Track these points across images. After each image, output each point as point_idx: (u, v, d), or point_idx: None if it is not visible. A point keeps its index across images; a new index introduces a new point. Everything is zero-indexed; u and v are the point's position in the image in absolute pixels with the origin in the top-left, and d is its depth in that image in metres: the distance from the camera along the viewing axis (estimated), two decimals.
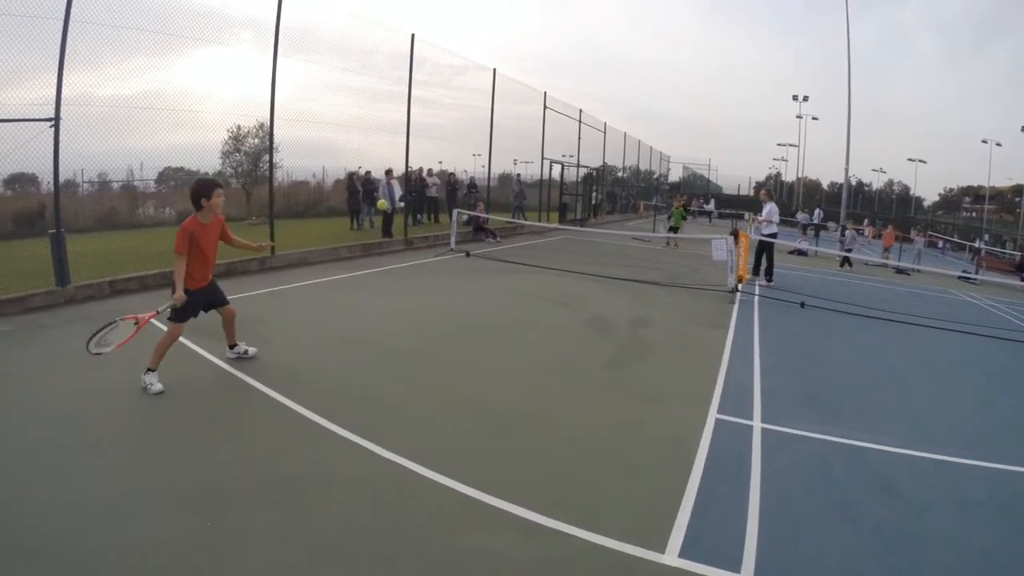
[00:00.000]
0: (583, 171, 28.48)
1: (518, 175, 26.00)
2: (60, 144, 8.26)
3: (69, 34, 8.14)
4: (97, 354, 5.12)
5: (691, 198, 43.49)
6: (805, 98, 58.92)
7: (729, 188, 65.64)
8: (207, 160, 15.74)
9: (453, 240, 16.06)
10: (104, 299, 8.65)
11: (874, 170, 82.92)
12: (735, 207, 45.24)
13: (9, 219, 15.33)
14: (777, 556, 3.48)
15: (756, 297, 11.99)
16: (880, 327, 10.53)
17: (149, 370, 5.29)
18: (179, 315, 5.42)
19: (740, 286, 11.84)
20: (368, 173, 19.53)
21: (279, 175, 18.69)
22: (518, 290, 11.05)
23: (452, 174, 23.42)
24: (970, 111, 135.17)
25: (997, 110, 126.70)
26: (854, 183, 64.97)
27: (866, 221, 44.34)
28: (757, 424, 5.46)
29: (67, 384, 5.42)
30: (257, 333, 6.92)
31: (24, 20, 8.03)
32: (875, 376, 7.56)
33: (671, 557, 3.40)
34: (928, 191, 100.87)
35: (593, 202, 30.48)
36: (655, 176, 49.00)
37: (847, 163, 36.43)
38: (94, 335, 5.12)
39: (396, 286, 10.99)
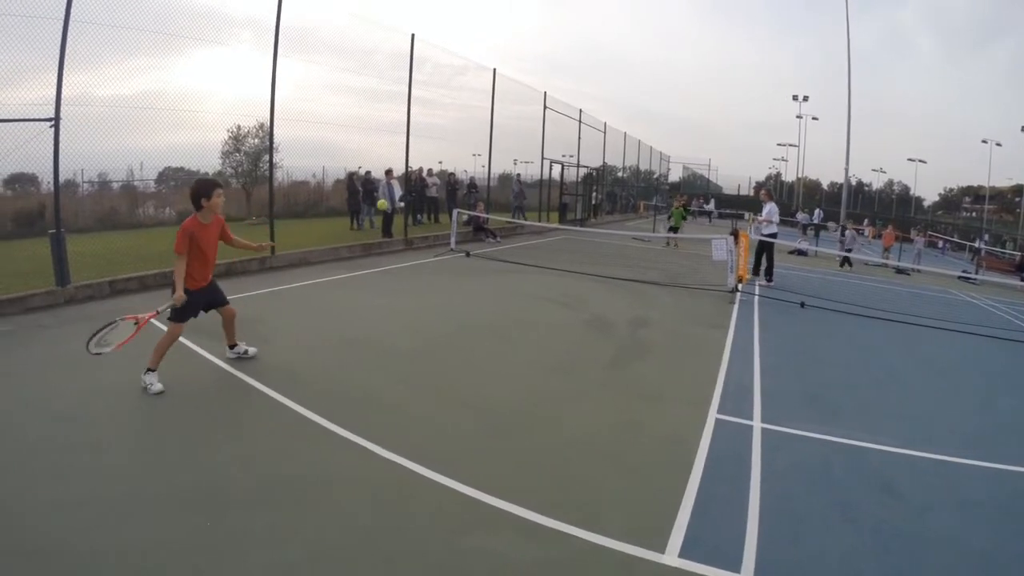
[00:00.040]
0: (583, 171, 28.50)
1: (518, 175, 26.02)
2: (60, 144, 8.26)
3: (69, 34, 8.14)
4: (97, 354, 5.12)
5: (691, 198, 43.49)
6: (805, 98, 58.99)
7: (729, 188, 65.67)
8: (207, 160, 15.76)
9: (453, 240, 16.06)
10: (104, 299, 8.65)
11: (874, 170, 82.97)
12: (735, 207, 45.23)
13: (9, 219, 15.33)
14: (777, 556, 3.48)
15: (756, 297, 11.99)
16: (880, 327, 10.53)
17: (149, 370, 5.29)
18: (179, 315, 5.42)
19: (740, 286, 11.84)
20: (368, 173, 19.54)
21: (279, 175, 18.72)
22: (518, 290, 11.05)
23: (452, 174, 23.42)
24: (970, 111, 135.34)
25: (997, 110, 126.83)
26: (854, 183, 64.99)
27: (866, 221, 44.34)
28: (757, 424, 5.46)
29: (67, 384, 5.41)
30: (257, 333, 6.92)
31: (24, 20, 8.04)
32: (875, 376, 7.56)
33: (671, 557, 3.40)
34: (928, 191, 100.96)
35: (593, 202, 30.47)
36: (655, 176, 49.00)
37: (847, 163, 36.48)
38: (94, 335, 5.12)
39: (396, 286, 10.99)
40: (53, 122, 8.12)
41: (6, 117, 7.95)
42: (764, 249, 14.20)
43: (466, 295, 10.59)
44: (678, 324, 9.28)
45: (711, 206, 45.98)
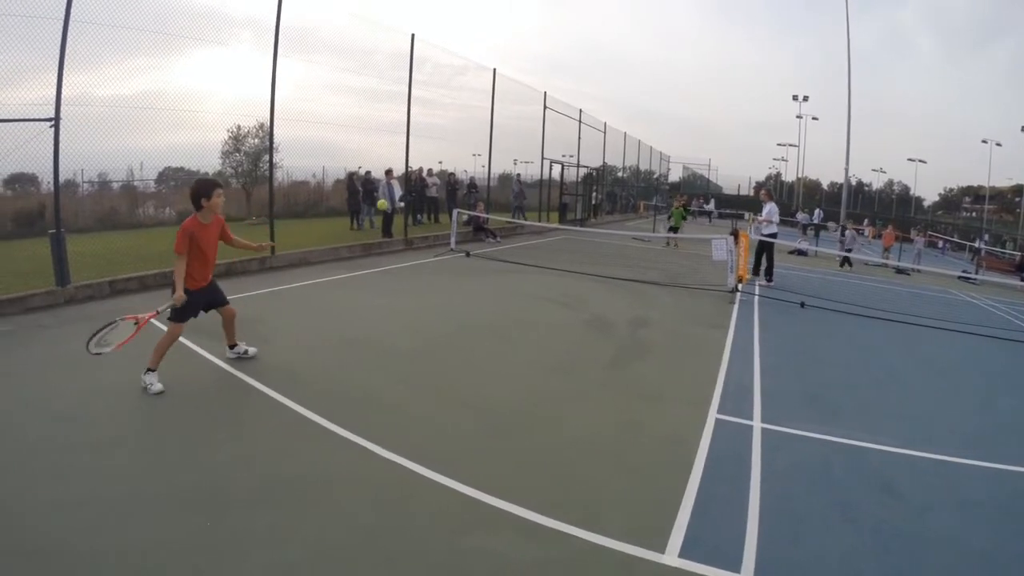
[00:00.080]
0: (583, 171, 28.50)
1: (518, 175, 26.01)
2: (60, 144, 8.26)
3: (69, 34, 8.14)
4: (97, 354, 5.11)
5: (691, 198, 43.50)
6: (805, 98, 58.98)
7: (729, 188, 65.68)
8: (207, 160, 15.76)
9: (453, 240, 16.06)
10: (104, 299, 8.65)
11: (874, 170, 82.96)
12: (735, 207, 45.25)
13: (9, 219, 15.33)
14: (777, 556, 3.48)
15: (756, 297, 11.99)
16: (880, 327, 10.53)
17: (149, 370, 5.29)
18: (179, 315, 5.42)
19: (740, 286, 11.84)
20: (368, 173, 19.54)
21: (279, 175, 18.72)
22: (518, 290, 11.05)
23: (452, 174, 23.41)
24: (970, 111, 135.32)
25: (997, 110, 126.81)
26: (854, 183, 64.98)
27: (866, 221, 44.34)
28: (757, 424, 5.46)
29: (67, 384, 5.41)
30: (257, 333, 6.92)
31: (24, 20, 8.04)
32: (875, 376, 7.56)
33: (671, 557, 3.40)
34: (928, 191, 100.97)
35: (593, 202, 30.48)
36: (655, 176, 48.99)
37: (847, 163, 36.48)
38: (94, 335, 5.12)
39: (396, 286, 10.99)
40: (53, 122, 8.12)
41: (6, 117, 7.95)
42: (764, 249, 14.20)
43: (466, 295, 10.59)
44: (678, 324, 9.28)
45: (711, 206, 45.98)
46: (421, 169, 20.87)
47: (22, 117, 8.07)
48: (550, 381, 6.31)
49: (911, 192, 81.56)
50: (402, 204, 16.98)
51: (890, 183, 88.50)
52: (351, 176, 20.24)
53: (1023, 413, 6.69)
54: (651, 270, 14.71)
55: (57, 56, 8.08)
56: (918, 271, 22.07)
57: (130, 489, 3.77)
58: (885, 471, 4.76)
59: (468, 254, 15.23)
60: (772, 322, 9.90)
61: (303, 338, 7.22)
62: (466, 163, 24.94)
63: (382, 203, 15.81)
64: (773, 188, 53.89)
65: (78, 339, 5.28)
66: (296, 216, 21.81)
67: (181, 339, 5.78)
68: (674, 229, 21.76)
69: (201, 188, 5.50)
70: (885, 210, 71.94)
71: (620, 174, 40.02)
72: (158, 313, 5.39)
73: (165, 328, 5.48)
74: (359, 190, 19.29)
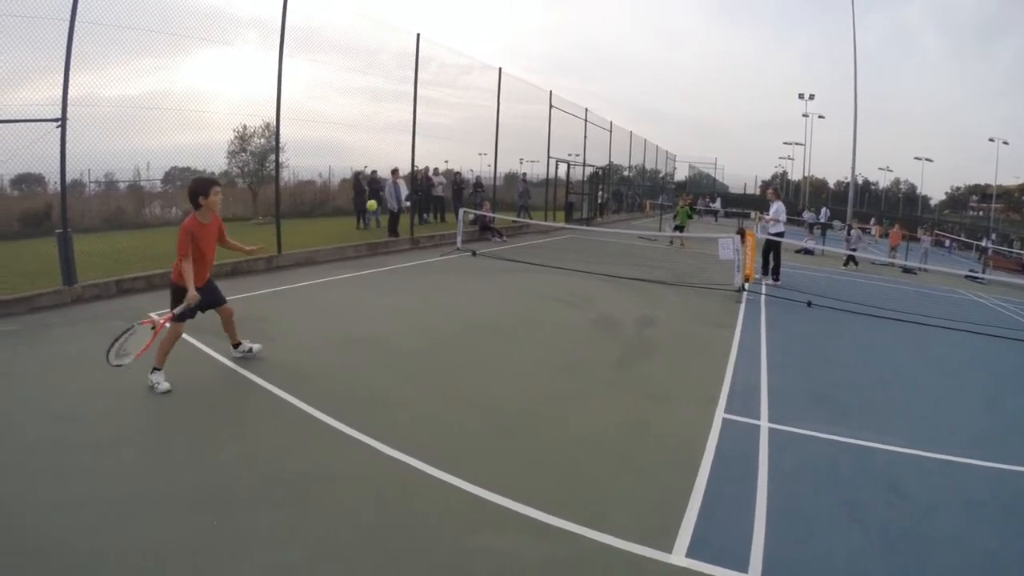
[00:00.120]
0: (589, 170, 28.47)
1: (524, 174, 26.00)
2: (67, 144, 8.30)
3: (75, 35, 8.17)
4: (118, 366, 5.05)
5: (697, 197, 43.42)
6: (811, 96, 58.86)
7: (735, 187, 65.41)
8: (213, 160, 15.86)
9: (459, 239, 16.04)
10: (111, 298, 8.67)
11: (881, 169, 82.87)
12: (741, 206, 45.18)
13: (16, 219, 15.42)
14: (784, 556, 3.46)
15: (763, 296, 11.96)
16: (887, 326, 10.48)
17: (155, 369, 5.29)
18: (179, 315, 5.43)
19: (747, 285, 11.80)
20: (374, 172, 19.57)
21: (285, 174, 18.73)
22: (524, 289, 11.04)
23: (458, 173, 23.42)
24: (977, 109, 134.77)
25: (1004, 108, 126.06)
26: (861, 182, 64.81)
27: (873, 220, 44.22)
28: (764, 424, 5.43)
29: (71, 383, 5.43)
30: (263, 332, 6.92)
31: (30, 21, 8.06)
32: (882, 376, 7.52)
33: (678, 557, 3.39)
34: (935, 190, 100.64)
35: (599, 201, 30.45)
36: (661, 175, 48.92)
37: (854, 161, 36.31)
38: (113, 344, 5.04)
39: (402, 285, 10.99)
40: (60, 122, 8.16)
41: (13, 118, 7.98)
42: (771, 248, 14.16)
43: (472, 294, 10.59)
44: (685, 323, 9.25)
45: (717, 205, 45.89)
46: (427, 168, 20.88)
47: (29, 118, 8.10)
48: (556, 380, 6.30)
49: (918, 191, 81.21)
50: (408, 203, 16.99)
51: (897, 182, 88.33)
52: (357, 175, 20.28)
53: None
54: (658, 269, 14.68)
55: (63, 57, 8.10)
56: (925, 270, 21.99)
57: (132, 488, 3.78)
58: (892, 471, 4.74)
59: (474, 253, 15.22)
60: (779, 321, 9.87)
61: (309, 337, 7.23)
62: (472, 162, 25.01)
63: (372, 204, 15.88)
64: (780, 187, 53.74)
65: (85, 338, 5.30)
66: (302, 215, 21.87)
67: (187, 338, 5.79)
68: (679, 228, 21.72)
69: (199, 186, 5.50)
70: (892, 209, 71.60)
71: (626, 173, 40.00)
72: (174, 316, 5.39)
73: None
74: (365, 189, 19.30)
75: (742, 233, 11.92)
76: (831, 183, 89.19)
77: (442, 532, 3.52)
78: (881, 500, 4.25)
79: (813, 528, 3.81)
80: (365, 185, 19.37)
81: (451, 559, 3.29)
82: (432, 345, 7.23)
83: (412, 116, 15.60)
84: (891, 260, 24.33)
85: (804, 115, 60.13)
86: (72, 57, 8.18)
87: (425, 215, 21.11)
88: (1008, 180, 67.99)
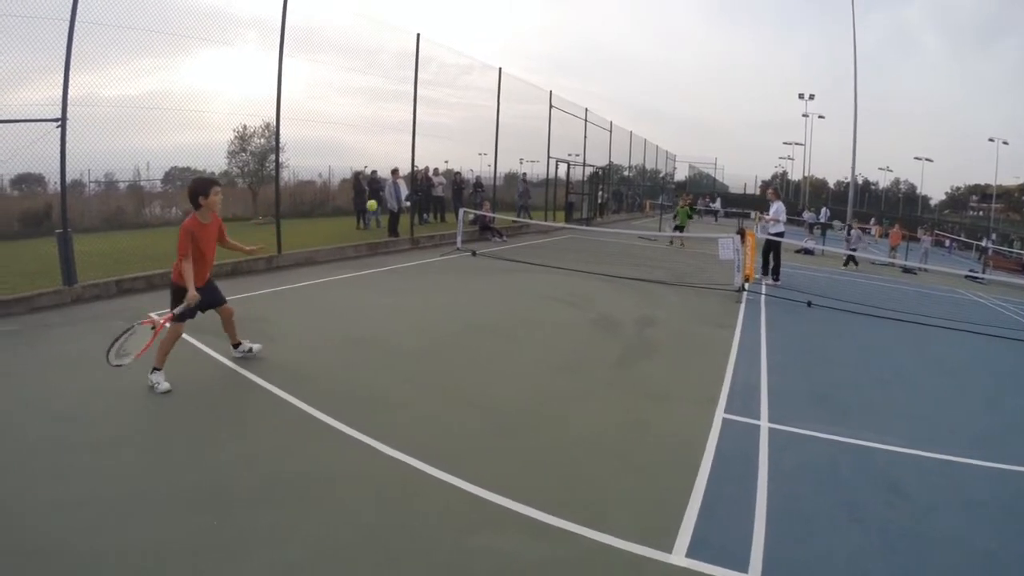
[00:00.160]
0: (589, 170, 28.47)
1: (524, 174, 26.00)
2: (67, 144, 8.30)
3: (75, 35, 8.17)
4: (118, 366, 5.05)
5: (697, 197, 43.40)
6: (811, 96, 58.86)
7: (735, 187, 65.42)
8: (213, 160, 15.86)
9: (459, 239, 16.04)
10: (111, 298, 8.67)
11: (881, 169, 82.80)
12: (741, 206, 45.17)
13: (16, 219, 15.42)
14: (784, 556, 3.46)
15: (763, 296, 11.95)
16: (887, 326, 10.48)
17: (155, 369, 5.29)
18: (179, 315, 5.43)
19: (747, 285, 11.80)
20: (374, 172, 19.57)
21: (285, 174, 18.74)
22: (524, 289, 11.04)
23: (458, 173, 23.42)
24: (977, 109, 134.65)
25: (1004, 108, 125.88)
26: (861, 182, 64.80)
27: (873, 220, 44.21)
28: (764, 424, 5.43)
29: (73, 383, 5.43)
30: (263, 332, 6.92)
31: (30, 21, 8.06)
32: (882, 376, 7.52)
33: (678, 557, 3.39)
34: (935, 190, 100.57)
35: (599, 201, 30.45)
36: (661, 175, 48.92)
37: (854, 161, 36.29)
38: (113, 344, 5.04)
39: (402, 285, 10.99)
40: (60, 122, 8.16)
41: (13, 118, 7.98)
42: (771, 248, 14.16)
43: (472, 294, 10.59)
44: (685, 323, 9.25)
45: (717, 205, 45.89)
46: (427, 168, 20.89)
47: (29, 118, 8.10)
48: (556, 380, 6.30)
49: (918, 191, 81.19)
50: (408, 203, 16.99)
51: (896, 182, 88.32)
52: (357, 175, 20.30)
53: None
54: (657, 269, 14.68)
55: (63, 57, 8.10)
56: (925, 270, 21.99)
57: (132, 488, 3.78)
58: (892, 471, 4.74)
59: (474, 253, 15.22)
60: (779, 321, 9.87)
61: (309, 337, 7.23)
62: (472, 162, 25.02)
63: (372, 204, 15.90)
64: (780, 187, 53.74)
65: (84, 339, 5.30)
66: (302, 215, 21.88)
67: (188, 338, 5.78)
68: (679, 228, 21.72)
69: (199, 186, 5.50)
70: (892, 209, 71.60)
71: (626, 173, 40.00)
72: (174, 316, 5.39)
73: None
74: (365, 189, 19.30)
75: (742, 233, 11.92)
76: (831, 183, 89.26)
77: (442, 532, 3.52)
78: (881, 500, 4.25)
79: (813, 528, 3.81)
80: (365, 185, 19.37)
81: (451, 559, 3.29)
82: (432, 345, 7.22)
83: (412, 116, 15.60)
84: (891, 260, 24.32)
85: (804, 115, 60.20)
86: (72, 57, 8.18)
87: (425, 215, 21.12)
88: (1008, 180, 68.11)
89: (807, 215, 37.47)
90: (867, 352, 8.64)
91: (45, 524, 3.37)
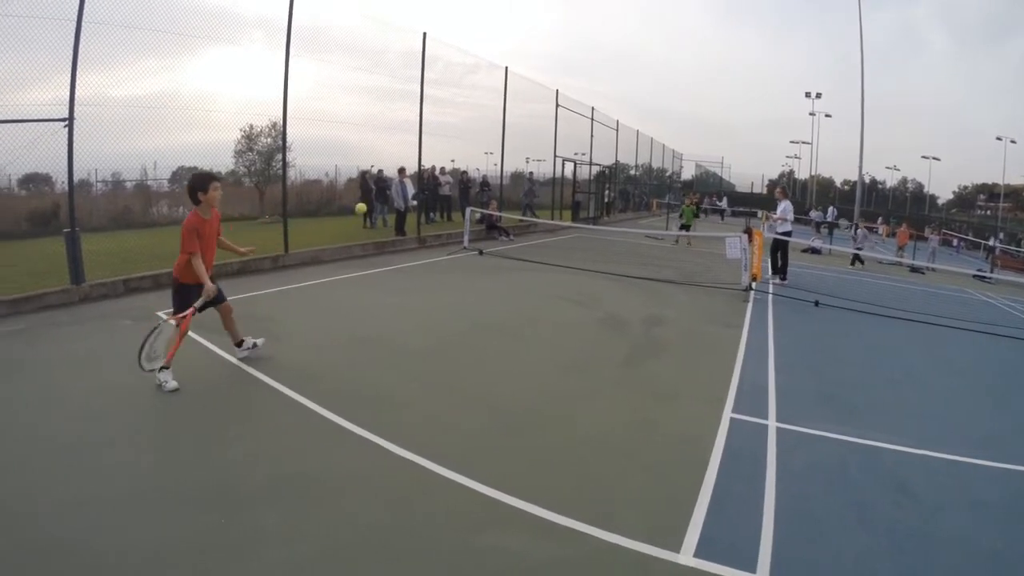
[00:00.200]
0: (595, 169, 28.42)
1: (530, 173, 25.98)
2: (74, 144, 8.32)
3: (82, 35, 8.19)
4: (151, 370, 5.09)
5: (703, 196, 43.29)
6: (818, 95, 58.52)
7: (742, 186, 65.31)
8: (220, 159, 15.93)
9: (466, 238, 16.04)
10: (119, 297, 8.70)
11: (888, 167, 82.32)
12: (748, 205, 45.03)
13: (24, 218, 15.48)
14: (793, 556, 3.45)
15: (770, 296, 11.90)
16: (895, 326, 10.44)
17: (163, 368, 5.30)
18: (181, 309, 5.45)
19: (754, 284, 11.76)
20: (381, 172, 19.57)
21: (292, 174, 18.75)
22: (531, 288, 11.03)
23: (465, 172, 23.40)
24: (984, 108, 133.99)
25: (1011, 107, 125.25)
26: (868, 181, 64.55)
27: (880, 219, 44.04)
28: (772, 423, 5.41)
29: (81, 382, 5.45)
30: (269, 331, 6.91)
31: (38, 22, 8.09)
32: (890, 375, 7.48)
33: (686, 556, 3.38)
34: (942, 189, 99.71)
35: (606, 200, 30.40)
36: (668, 174, 48.82)
37: (861, 160, 36.17)
38: (142, 347, 5.07)
39: (409, 284, 11.00)
40: (67, 122, 8.18)
41: (21, 117, 8.01)
42: (779, 247, 14.11)
43: (479, 293, 10.59)
44: (692, 322, 9.23)
45: (724, 204, 45.77)
46: (434, 167, 20.87)
47: (37, 117, 8.13)
48: (564, 379, 6.29)
49: (925, 190, 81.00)
50: (415, 203, 16.99)
51: (904, 181, 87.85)
52: (364, 175, 20.31)
53: None
54: (665, 268, 14.65)
55: (71, 57, 8.13)
56: (933, 270, 21.86)
57: (139, 487, 3.79)
58: (900, 471, 4.72)
59: (481, 252, 15.21)
60: (787, 321, 9.84)
61: (315, 336, 7.23)
62: (478, 161, 24.91)
63: (360, 207, 16.27)
64: (787, 186, 53.56)
65: (92, 337, 5.32)
66: (308, 215, 21.89)
67: (196, 337, 5.80)
68: (686, 227, 21.68)
69: (197, 182, 5.52)
70: (899, 208, 71.34)
71: (632, 172, 39.92)
72: (195, 311, 5.41)
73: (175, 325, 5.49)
74: (372, 188, 19.32)
75: (749, 232, 11.87)
76: (838, 182, 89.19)
77: (449, 531, 3.51)
78: (889, 500, 4.23)
79: (821, 528, 3.80)
80: (372, 184, 19.39)
81: (458, 558, 3.28)
82: (439, 344, 7.22)
83: (419, 115, 15.58)
84: (899, 259, 24.22)
85: (811, 114, 59.82)
86: (79, 57, 8.21)
87: (432, 214, 21.11)
88: (1016, 179, 67.68)
89: (814, 214, 37.36)
90: (874, 352, 8.61)
91: (52, 523, 3.38)
